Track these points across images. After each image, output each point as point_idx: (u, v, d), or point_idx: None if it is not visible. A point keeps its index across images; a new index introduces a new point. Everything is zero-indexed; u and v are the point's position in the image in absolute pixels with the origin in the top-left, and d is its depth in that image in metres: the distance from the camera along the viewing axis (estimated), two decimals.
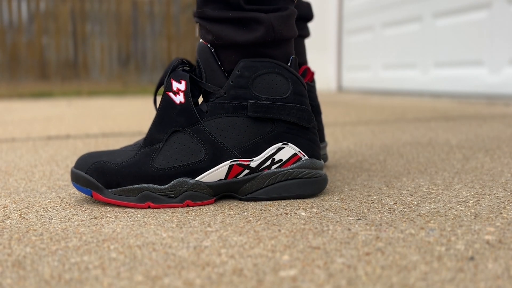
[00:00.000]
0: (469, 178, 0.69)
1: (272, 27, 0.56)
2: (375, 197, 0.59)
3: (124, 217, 0.53)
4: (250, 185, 0.58)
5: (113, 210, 0.55)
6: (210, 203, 0.58)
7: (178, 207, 0.56)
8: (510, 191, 0.62)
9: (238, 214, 0.53)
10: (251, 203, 0.58)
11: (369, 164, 0.81)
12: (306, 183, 0.59)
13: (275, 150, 0.58)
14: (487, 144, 1.02)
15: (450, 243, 0.43)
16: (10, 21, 4.97)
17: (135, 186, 0.56)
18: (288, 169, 0.58)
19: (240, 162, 0.57)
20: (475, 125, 1.37)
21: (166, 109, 0.57)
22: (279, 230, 0.47)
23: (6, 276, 0.37)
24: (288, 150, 0.58)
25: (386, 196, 0.60)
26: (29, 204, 0.59)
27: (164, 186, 0.56)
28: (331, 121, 1.57)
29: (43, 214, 0.54)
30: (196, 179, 0.56)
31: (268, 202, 0.58)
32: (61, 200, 0.60)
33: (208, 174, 0.56)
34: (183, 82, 0.57)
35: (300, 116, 0.58)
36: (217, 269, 0.38)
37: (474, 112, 1.79)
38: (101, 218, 0.53)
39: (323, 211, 0.54)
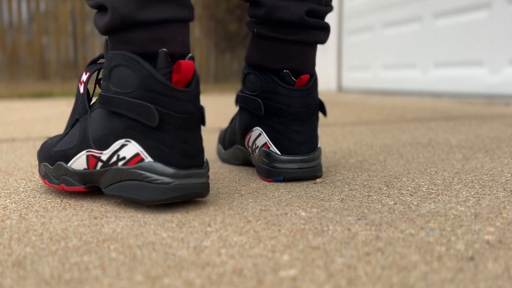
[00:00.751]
0: (469, 178, 0.69)
1: (115, 10, 0.52)
2: (375, 197, 0.59)
3: (124, 217, 0.53)
4: (104, 179, 0.57)
5: (113, 210, 0.56)
6: (81, 190, 0.60)
7: (57, 188, 0.62)
8: (510, 191, 0.62)
9: (238, 214, 0.53)
10: (251, 203, 0.58)
11: (369, 164, 0.82)
12: (144, 187, 0.53)
13: (119, 146, 0.55)
14: (487, 144, 1.02)
15: (450, 243, 0.43)
16: (10, 21, 4.97)
17: (42, 163, 0.65)
18: (129, 169, 0.54)
19: (93, 153, 0.57)
20: (475, 125, 1.37)
21: (76, 99, 0.63)
22: (279, 230, 0.47)
23: (6, 276, 0.37)
24: (131, 148, 0.54)
25: (386, 196, 0.60)
26: (29, 204, 0.59)
27: (51, 167, 0.62)
28: (331, 121, 1.57)
29: (43, 214, 0.54)
30: (68, 164, 0.60)
31: (268, 202, 0.58)
32: (61, 200, 0.60)
33: (74, 161, 0.59)
34: (87, 74, 0.62)
35: (141, 113, 0.52)
36: (217, 269, 0.38)
37: (474, 112, 1.79)
38: (101, 218, 0.53)
39: (323, 211, 0.54)
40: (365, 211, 0.54)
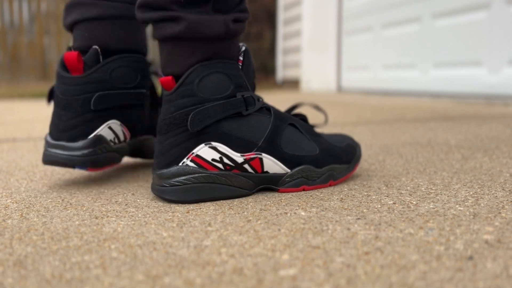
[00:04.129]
0: (468, 178, 0.70)
1: None
2: (374, 197, 0.60)
3: (125, 217, 0.53)
4: None
5: (113, 210, 0.56)
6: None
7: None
8: (509, 190, 0.62)
9: (238, 213, 0.54)
10: (251, 203, 0.58)
11: (368, 164, 0.82)
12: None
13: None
14: (486, 144, 1.02)
15: (449, 242, 0.43)
16: (11, 22, 4.97)
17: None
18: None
19: None
20: (474, 125, 1.37)
21: None
22: (279, 230, 0.48)
23: (7, 276, 0.38)
24: None
25: (385, 196, 0.60)
26: (30, 203, 0.59)
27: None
28: (330, 121, 1.57)
29: (44, 213, 0.55)
30: None
31: (268, 202, 0.58)
32: (62, 200, 0.61)
33: None
34: None
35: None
36: (217, 268, 0.38)
37: (473, 112, 1.79)
38: (102, 217, 0.53)
39: (322, 210, 0.54)
40: (365, 210, 0.54)
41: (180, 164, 0.58)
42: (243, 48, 0.62)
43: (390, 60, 3.06)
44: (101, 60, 0.68)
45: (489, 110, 1.84)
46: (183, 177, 0.58)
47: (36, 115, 1.96)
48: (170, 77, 0.59)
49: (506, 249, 0.41)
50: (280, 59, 4.83)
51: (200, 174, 0.58)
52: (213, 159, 0.59)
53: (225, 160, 0.59)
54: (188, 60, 0.58)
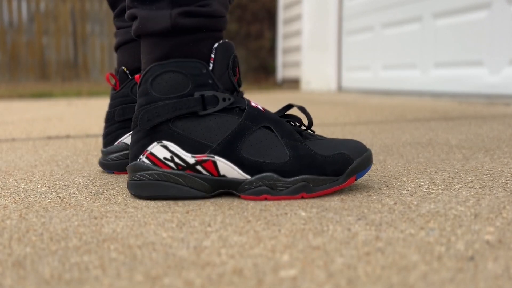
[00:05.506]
0: (469, 178, 0.69)
1: None
2: (375, 197, 0.60)
3: (124, 217, 0.53)
4: None
5: (113, 210, 0.56)
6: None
7: None
8: (510, 191, 0.62)
9: (238, 214, 0.53)
10: (251, 203, 0.58)
11: None
12: None
13: None
14: (487, 144, 1.02)
15: (450, 243, 0.43)
16: (10, 21, 4.97)
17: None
18: None
19: None
20: (475, 125, 1.37)
21: None
22: (279, 230, 0.47)
23: (6, 276, 0.37)
24: None
25: (386, 196, 0.60)
26: (29, 204, 0.59)
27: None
28: (331, 121, 1.57)
29: (43, 214, 0.54)
30: None
31: (268, 202, 0.58)
32: (61, 200, 0.60)
33: None
34: None
35: None
36: (217, 269, 0.38)
37: (474, 112, 1.79)
38: (101, 218, 0.53)
39: (323, 211, 0.54)
40: (365, 211, 0.54)
41: (138, 160, 0.60)
42: (216, 45, 0.60)
43: (390, 60, 3.06)
44: (129, 77, 0.79)
45: (490, 110, 1.84)
46: (139, 173, 0.60)
47: (35, 115, 1.96)
48: (138, 76, 0.61)
49: (507, 250, 0.41)
50: (280, 59, 4.82)
51: (153, 171, 0.59)
52: (164, 158, 0.59)
53: (176, 160, 0.59)
54: (149, 57, 0.60)
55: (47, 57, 5.08)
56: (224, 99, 0.59)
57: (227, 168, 0.59)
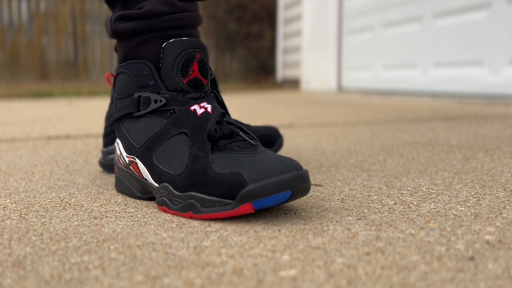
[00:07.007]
0: (469, 178, 0.69)
1: None
2: (375, 197, 0.59)
3: (124, 217, 0.53)
4: None
5: (113, 210, 0.56)
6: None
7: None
8: (510, 191, 0.62)
9: None
10: None
11: (369, 164, 0.82)
12: None
13: None
14: (487, 144, 1.02)
15: (450, 243, 0.43)
16: (10, 21, 4.97)
17: None
18: None
19: None
20: (475, 125, 1.37)
21: None
22: (279, 230, 0.47)
23: (6, 276, 0.37)
24: None
25: (386, 196, 0.60)
26: (29, 204, 0.59)
27: None
28: (331, 121, 1.57)
29: (43, 214, 0.54)
30: None
31: None
32: (61, 200, 0.60)
33: None
34: None
35: None
36: (217, 269, 0.38)
37: (474, 112, 1.79)
38: (101, 218, 0.53)
39: (323, 211, 0.54)
40: (365, 211, 0.54)
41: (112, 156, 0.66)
42: (164, 45, 0.58)
43: (390, 60, 3.06)
44: None
45: (490, 110, 1.84)
46: (112, 168, 0.66)
47: (35, 115, 1.96)
48: (108, 74, 0.70)
49: (507, 250, 0.41)
50: (280, 59, 4.82)
51: (116, 166, 0.64)
52: (119, 154, 0.63)
53: (122, 158, 0.62)
54: (119, 60, 0.63)
55: (47, 57, 5.08)
56: (155, 101, 0.57)
57: (146, 172, 0.57)
